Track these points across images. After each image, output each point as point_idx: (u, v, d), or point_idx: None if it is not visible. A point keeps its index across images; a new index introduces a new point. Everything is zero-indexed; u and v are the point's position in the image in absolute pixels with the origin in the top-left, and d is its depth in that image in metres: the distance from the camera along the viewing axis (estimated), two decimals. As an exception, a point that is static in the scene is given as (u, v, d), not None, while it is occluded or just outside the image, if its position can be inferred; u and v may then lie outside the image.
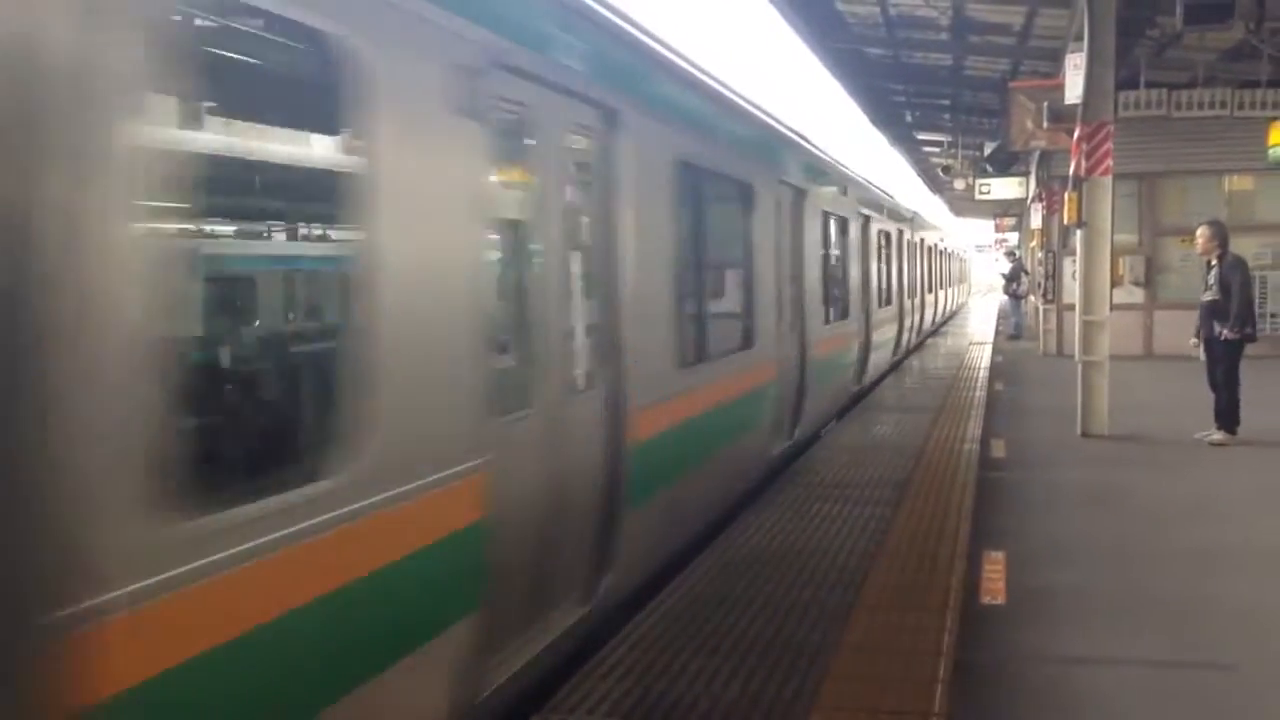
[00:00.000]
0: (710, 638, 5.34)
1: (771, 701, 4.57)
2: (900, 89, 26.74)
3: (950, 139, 31.97)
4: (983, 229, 59.49)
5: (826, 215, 12.59)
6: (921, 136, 34.09)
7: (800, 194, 10.91)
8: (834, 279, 13.26)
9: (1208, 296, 11.62)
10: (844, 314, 13.83)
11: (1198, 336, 11.82)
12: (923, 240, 26.11)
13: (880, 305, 17.24)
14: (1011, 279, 30.41)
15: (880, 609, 5.76)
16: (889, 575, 6.38)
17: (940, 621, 5.51)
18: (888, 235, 18.61)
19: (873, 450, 10.87)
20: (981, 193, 29.43)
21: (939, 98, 27.58)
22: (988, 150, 28.29)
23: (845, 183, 14.47)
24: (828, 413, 12.89)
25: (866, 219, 15.84)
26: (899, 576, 6.34)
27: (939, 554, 6.80)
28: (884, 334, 17.90)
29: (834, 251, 13.33)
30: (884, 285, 18.08)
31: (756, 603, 5.88)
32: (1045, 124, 16.01)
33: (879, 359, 17.13)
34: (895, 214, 20.41)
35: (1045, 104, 15.66)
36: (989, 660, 5.56)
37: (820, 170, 12.64)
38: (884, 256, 18.15)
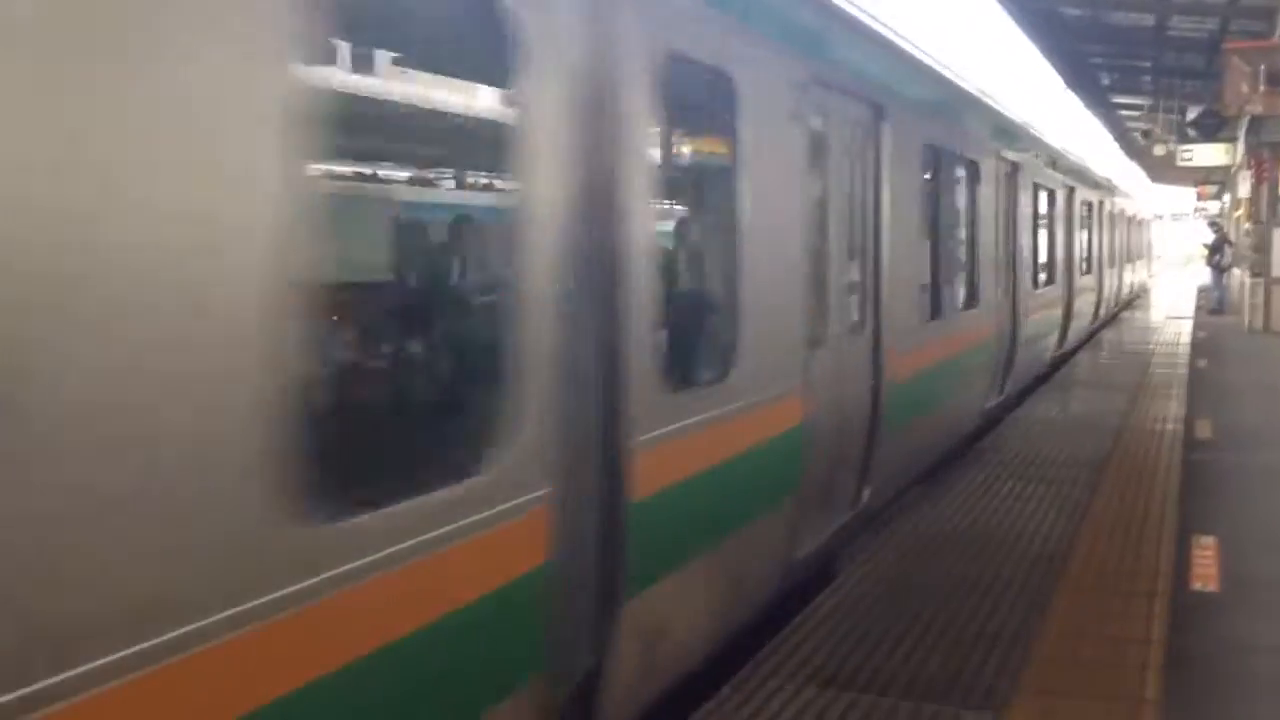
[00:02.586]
0: (903, 614, 5.30)
1: (972, 680, 4.52)
2: (1098, 50, 25.50)
3: (1150, 102, 30.33)
4: (1182, 196, 56.33)
5: (930, 150, 8.16)
6: (1119, 100, 32.47)
7: (879, 112, 6.80)
8: (941, 247, 8.85)
9: None
10: (972, 300, 9.99)
11: None
12: (1100, 203, 21.35)
13: (1038, 284, 13.64)
14: (1214, 250, 28.67)
15: (1083, 593, 5.60)
16: (1090, 559, 6.18)
17: (1149, 607, 5.32)
18: (1050, 194, 14.61)
19: (1066, 429, 10.50)
20: (1183, 159, 27.84)
21: (1139, 59, 26.20)
22: (1191, 115, 26.72)
23: (959, 102, 9.85)
24: (918, 464, 8.34)
25: (1013, 167, 11.79)
26: (1101, 560, 6.14)
27: (1144, 537, 6.55)
28: (1041, 323, 13.83)
29: (935, 204, 8.73)
30: (1043, 258, 14.34)
31: (950, 581, 5.80)
32: (1262, 87, 15.01)
33: (1031, 356, 13.14)
34: (1070, 169, 16.70)
35: (1262, 66, 14.68)
36: (1201, 649, 5.32)
37: (899, 64, 7.95)
38: (1044, 220, 14.35)
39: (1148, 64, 26.36)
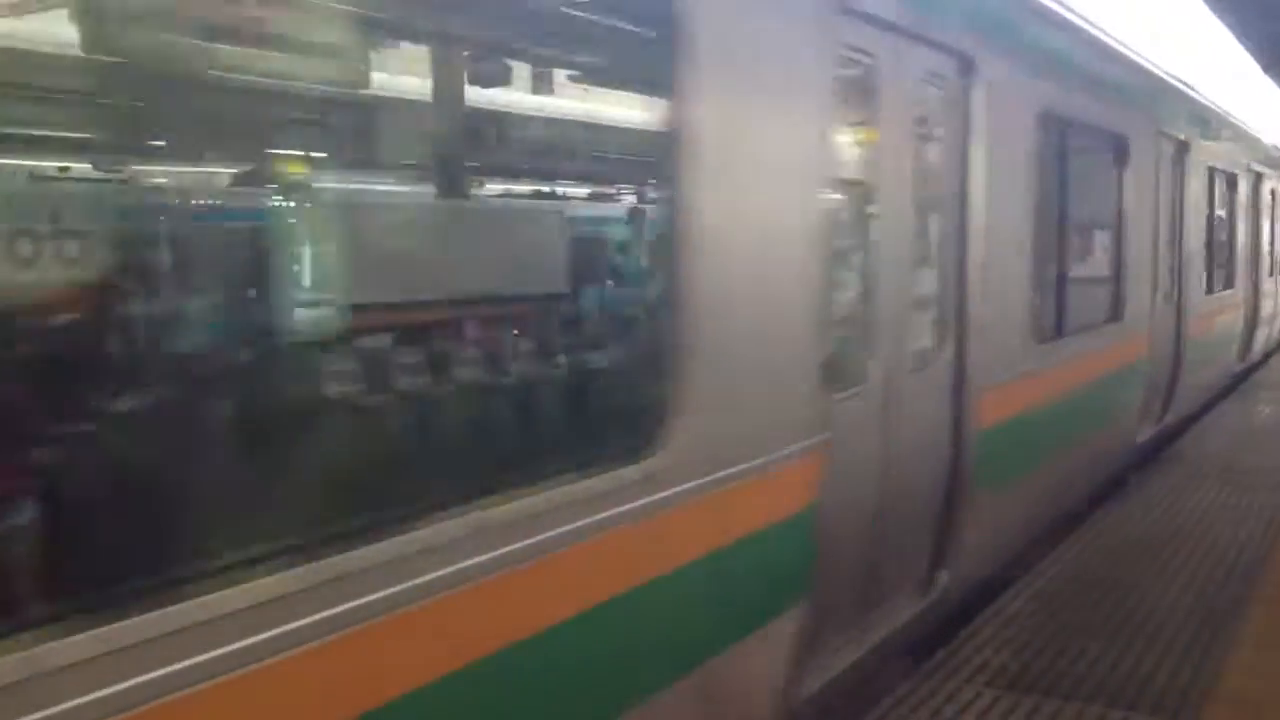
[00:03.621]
0: (1088, 620, 5.22)
1: (1162, 687, 4.43)
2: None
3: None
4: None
5: None
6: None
7: None
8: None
9: None
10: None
11: None
12: (1259, 180, 14.34)
13: (1060, 332, 6.93)
14: None
15: (1281, 603, 5.39)
16: (1290, 568, 5.94)
17: (1355, 620, 5.09)
18: (1120, 146, 8.10)
19: (1260, 434, 10.02)
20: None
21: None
22: None
23: None
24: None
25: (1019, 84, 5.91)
26: (1303, 569, 5.89)
27: (1350, 548, 6.23)
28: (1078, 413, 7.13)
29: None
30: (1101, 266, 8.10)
31: (1137, 589, 5.66)
32: None
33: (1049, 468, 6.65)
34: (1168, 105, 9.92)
35: None
36: None
37: None
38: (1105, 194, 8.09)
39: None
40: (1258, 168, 14.16)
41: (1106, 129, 7.78)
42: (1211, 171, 11.31)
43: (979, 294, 5.21)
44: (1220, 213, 12.01)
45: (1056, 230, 6.84)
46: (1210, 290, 11.28)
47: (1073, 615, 5.27)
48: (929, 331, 5.01)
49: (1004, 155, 5.55)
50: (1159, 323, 9.09)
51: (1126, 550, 6.33)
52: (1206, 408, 11.25)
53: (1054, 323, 6.76)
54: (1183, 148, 9.97)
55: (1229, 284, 12.38)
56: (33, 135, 3.05)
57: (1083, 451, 7.18)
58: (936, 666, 4.68)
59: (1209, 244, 11.21)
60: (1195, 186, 10.41)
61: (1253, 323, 14.13)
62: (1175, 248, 9.75)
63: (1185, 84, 10.64)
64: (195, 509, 2.41)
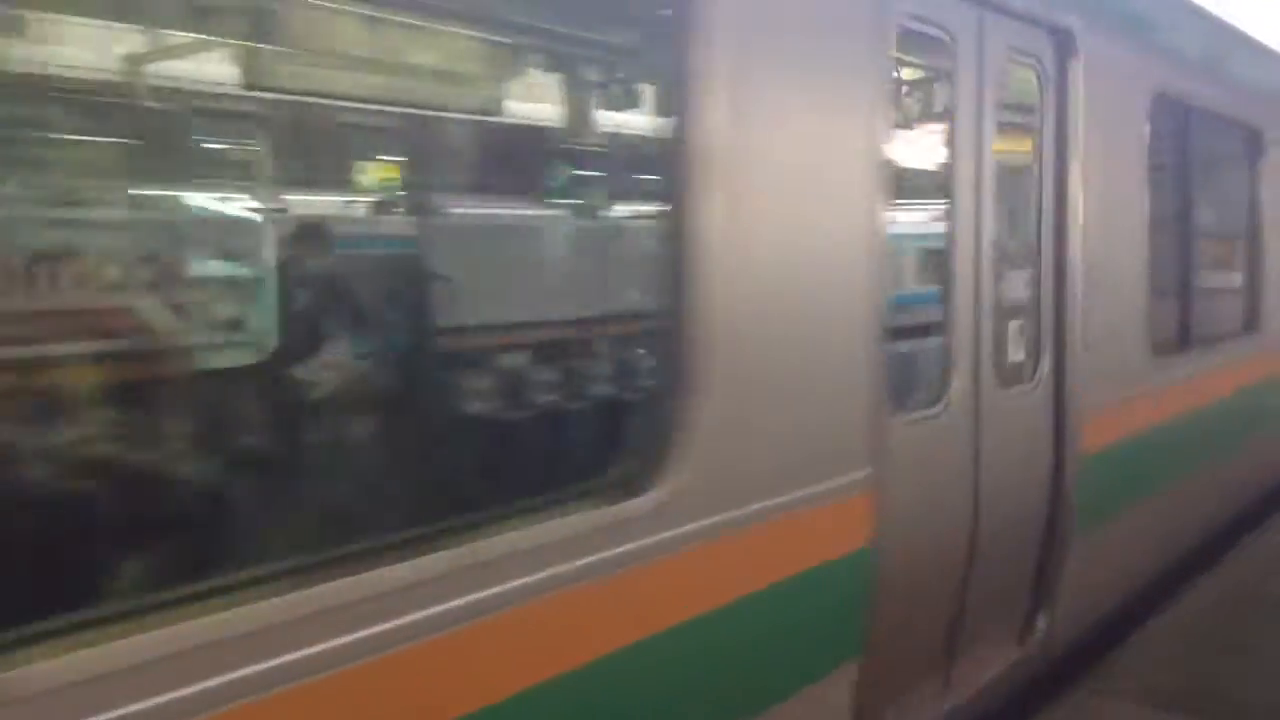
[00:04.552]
0: (1255, 633, 5.01)
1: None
2: None
3: None
4: None
5: None
6: None
7: None
8: None
9: None
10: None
11: None
12: None
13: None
14: None
15: None
16: None
17: None
18: None
19: None
20: None
21: None
22: None
23: None
24: None
25: None
26: None
27: None
28: None
29: None
30: None
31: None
32: None
33: None
34: None
35: None
36: None
37: None
38: None
39: None
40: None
41: None
42: (1183, 111, 5.93)
43: None
44: (1211, 197, 6.81)
45: None
46: (1180, 347, 5.95)
47: (1236, 629, 5.04)
48: None
49: None
50: (965, 452, 3.96)
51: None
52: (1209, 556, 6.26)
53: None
54: (1061, 41, 4.53)
55: (1250, 326, 6.93)
56: None
57: None
58: (1088, 684, 4.52)
59: (1184, 256, 6.19)
60: (1114, 136, 4.98)
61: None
62: (1043, 269, 4.51)
63: None
64: None
